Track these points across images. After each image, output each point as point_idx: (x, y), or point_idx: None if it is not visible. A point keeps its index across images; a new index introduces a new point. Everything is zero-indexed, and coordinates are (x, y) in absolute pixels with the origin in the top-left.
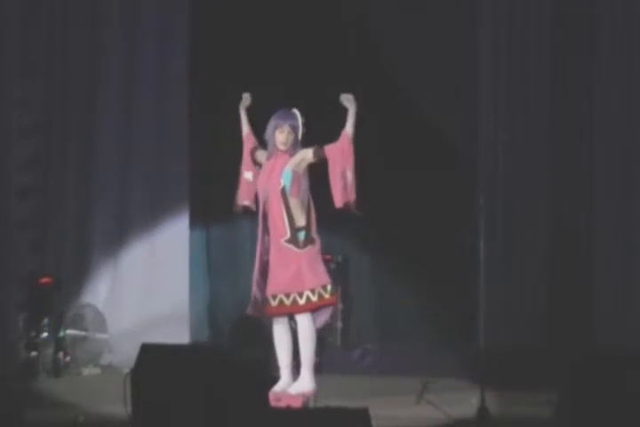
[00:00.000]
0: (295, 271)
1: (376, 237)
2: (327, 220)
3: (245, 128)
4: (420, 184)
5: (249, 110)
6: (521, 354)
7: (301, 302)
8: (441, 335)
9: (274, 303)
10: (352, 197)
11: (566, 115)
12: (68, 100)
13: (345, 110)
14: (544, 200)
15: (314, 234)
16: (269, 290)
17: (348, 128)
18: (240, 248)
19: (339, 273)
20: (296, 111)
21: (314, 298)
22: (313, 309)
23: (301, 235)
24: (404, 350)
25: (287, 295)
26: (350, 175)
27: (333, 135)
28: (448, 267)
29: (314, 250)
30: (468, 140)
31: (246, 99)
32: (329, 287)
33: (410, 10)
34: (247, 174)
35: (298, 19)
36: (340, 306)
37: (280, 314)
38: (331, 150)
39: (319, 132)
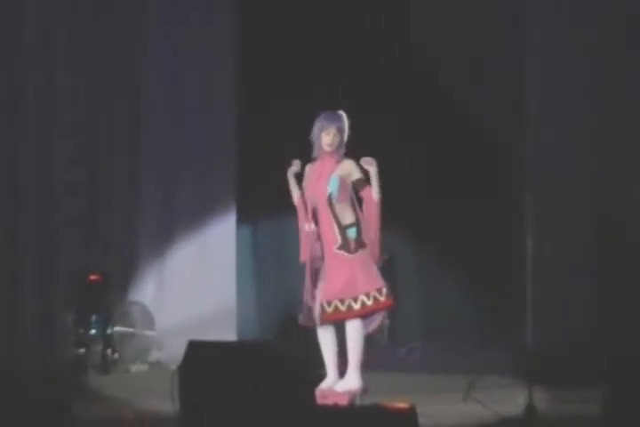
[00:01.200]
0: (348, 277)
1: (421, 234)
2: None
3: (295, 194)
4: (465, 181)
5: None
6: (568, 351)
7: (356, 306)
8: (487, 332)
9: (329, 310)
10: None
11: (616, 111)
12: (116, 97)
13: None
14: (592, 197)
15: (364, 237)
16: (324, 296)
17: (374, 194)
18: (287, 244)
19: (384, 271)
20: (342, 113)
21: (369, 302)
22: (369, 313)
23: (351, 233)
24: (451, 347)
25: (342, 301)
26: (372, 235)
27: (375, 138)
28: (494, 264)
29: (365, 254)
30: (516, 135)
31: (296, 165)
32: (384, 290)
33: (453, 9)
34: (306, 226)
35: (342, 24)
36: None
37: (336, 320)
38: (365, 197)
39: (362, 134)
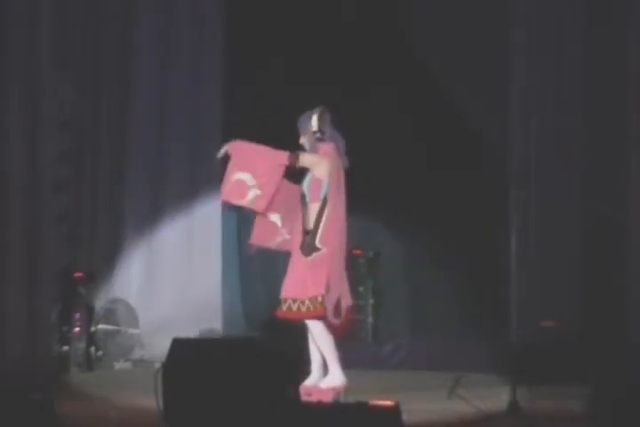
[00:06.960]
0: (301, 279)
1: (407, 231)
2: (358, 215)
3: None
4: (451, 179)
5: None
6: (552, 348)
7: (303, 309)
8: (472, 330)
9: (283, 307)
10: None
11: (600, 107)
12: (102, 91)
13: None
14: (577, 193)
15: (319, 242)
16: (282, 293)
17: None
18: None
19: (370, 268)
20: (309, 112)
21: (312, 307)
22: (312, 318)
23: (308, 239)
24: (435, 344)
25: (294, 301)
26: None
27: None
28: (479, 261)
29: (319, 257)
30: (501, 134)
31: None
32: (319, 299)
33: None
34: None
35: (331, 16)
36: (371, 301)
37: (287, 319)
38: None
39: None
